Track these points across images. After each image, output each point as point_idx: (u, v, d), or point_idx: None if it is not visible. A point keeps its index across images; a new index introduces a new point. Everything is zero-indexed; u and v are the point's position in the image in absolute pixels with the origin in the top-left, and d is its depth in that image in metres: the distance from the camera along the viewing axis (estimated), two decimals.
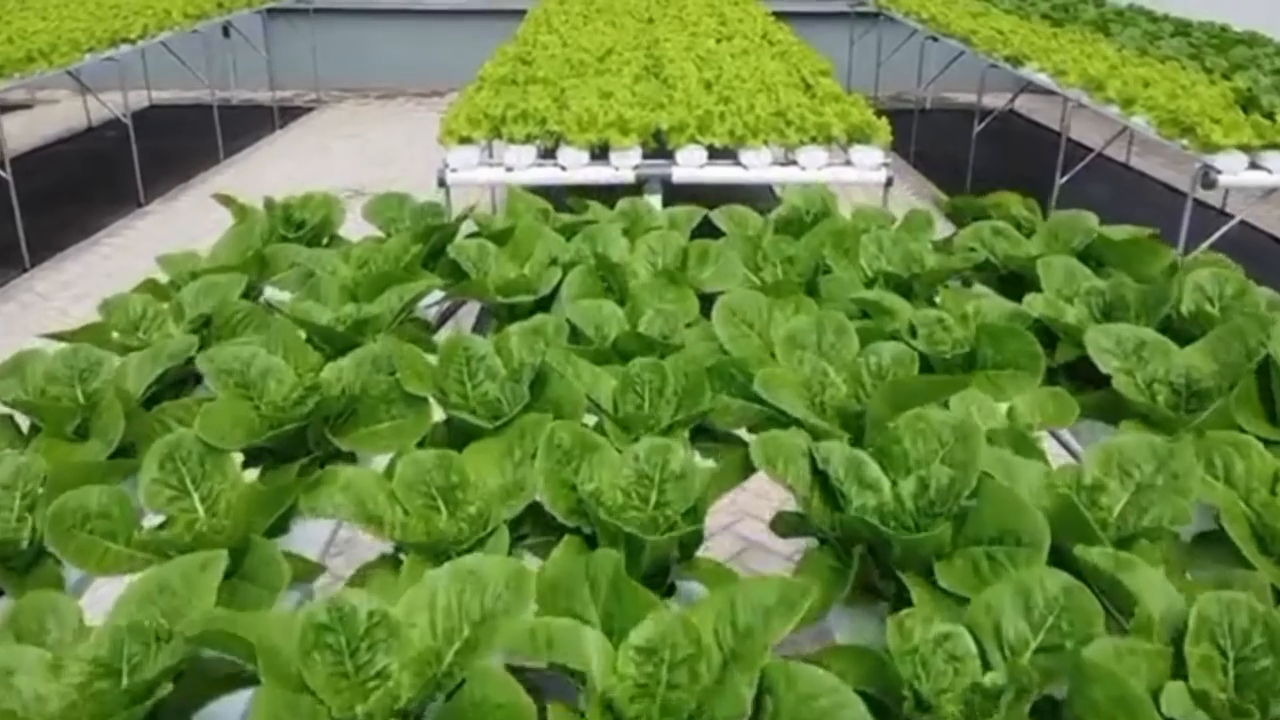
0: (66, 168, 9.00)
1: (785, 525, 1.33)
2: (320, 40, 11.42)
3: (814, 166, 4.70)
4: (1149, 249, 2.01)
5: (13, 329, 5.81)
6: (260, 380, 1.53)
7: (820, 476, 1.29)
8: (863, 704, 0.93)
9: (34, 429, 1.55)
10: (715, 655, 0.98)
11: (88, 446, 1.44)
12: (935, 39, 8.70)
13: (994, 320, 1.83)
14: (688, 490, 1.27)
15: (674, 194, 4.62)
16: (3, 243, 6.68)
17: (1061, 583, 1.04)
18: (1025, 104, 8.49)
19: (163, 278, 2.07)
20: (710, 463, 1.48)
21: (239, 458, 1.44)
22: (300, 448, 1.46)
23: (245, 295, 2.04)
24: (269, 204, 2.32)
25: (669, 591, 1.25)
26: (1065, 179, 6.47)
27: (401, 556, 1.26)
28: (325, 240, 2.35)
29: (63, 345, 1.68)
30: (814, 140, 4.73)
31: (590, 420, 1.54)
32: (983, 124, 7.77)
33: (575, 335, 1.83)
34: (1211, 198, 7.97)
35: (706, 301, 2.00)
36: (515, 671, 0.98)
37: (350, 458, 1.48)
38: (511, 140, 4.68)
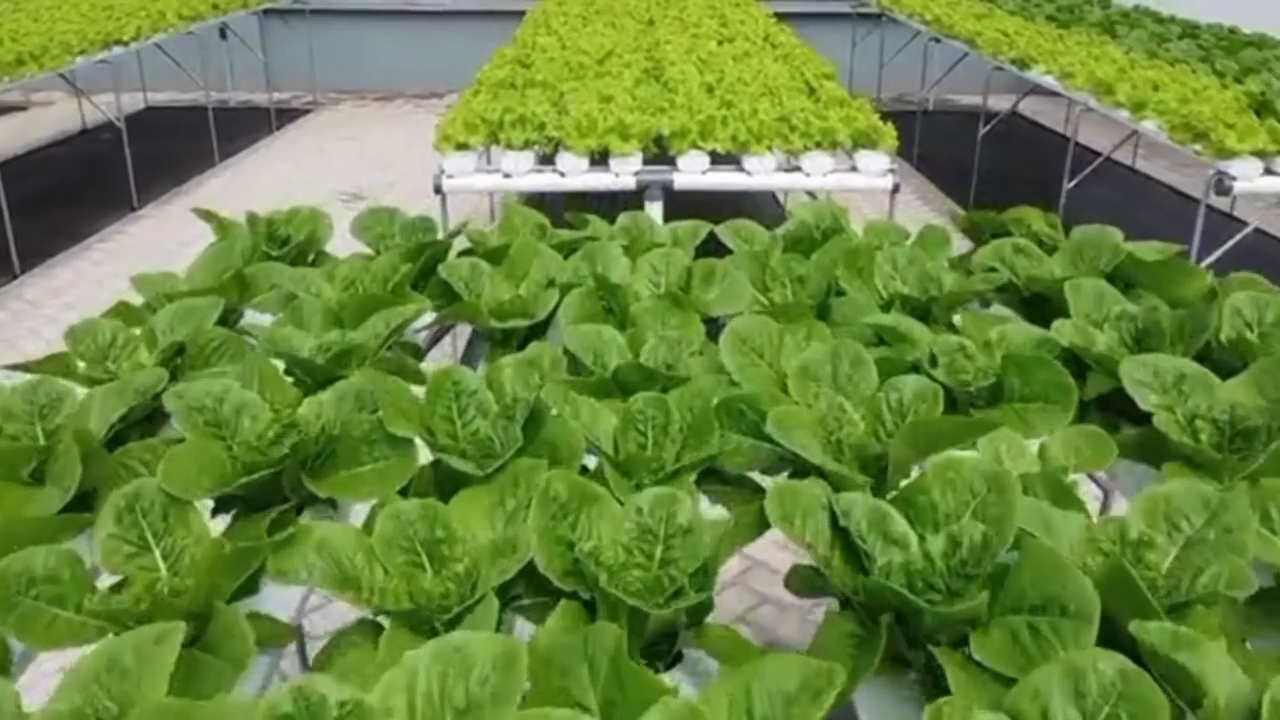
0: (59, 171, 8.89)
1: (801, 582, 1.22)
2: (317, 42, 11.31)
3: (819, 173, 4.60)
4: (1182, 270, 1.90)
5: (2, 337, 5.70)
6: (233, 418, 1.42)
7: (841, 532, 1.18)
8: None
9: None
10: None
11: (43, 494, 1.33)
12: (938, 40, 8.58)
13: (1020, 348, 1.72)
14: (696, 547, 1.16)
15: (675, 200, 4.51)
16: None
17: (1118, 666, 0.93)
18: (1029, 106, 8.38)
19: (137, 299, 1.96)
20: (720, 509, 1.37)
21: (209, 503, 1.33)
22: (275, 493, 1.35)
23: (224, 319, 1.92)
24: (252, 219, 2.21)
25: (675, 659, 1.14)
26: (1073, 184, 6.35)
27: (383, 620, 1.15)
28: (311, 257, 2.23)
29: (24, 377, 1.56)
30: (818, 146, 4.62)
31: (590, 460, 1.42)
32: (988, 127, 7.66)
33: (574, 362, 1.72)
34: (1220, 202, 7.86)
35: (712, 322, 1.89)
36: None
37: (329, 504, 1.37)
38: (509, 146, 4.57)
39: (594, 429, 1.41)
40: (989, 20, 8.25)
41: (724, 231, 2.27)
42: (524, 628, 1.16)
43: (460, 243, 2.31)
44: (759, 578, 3.51)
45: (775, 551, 3.35)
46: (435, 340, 2.13)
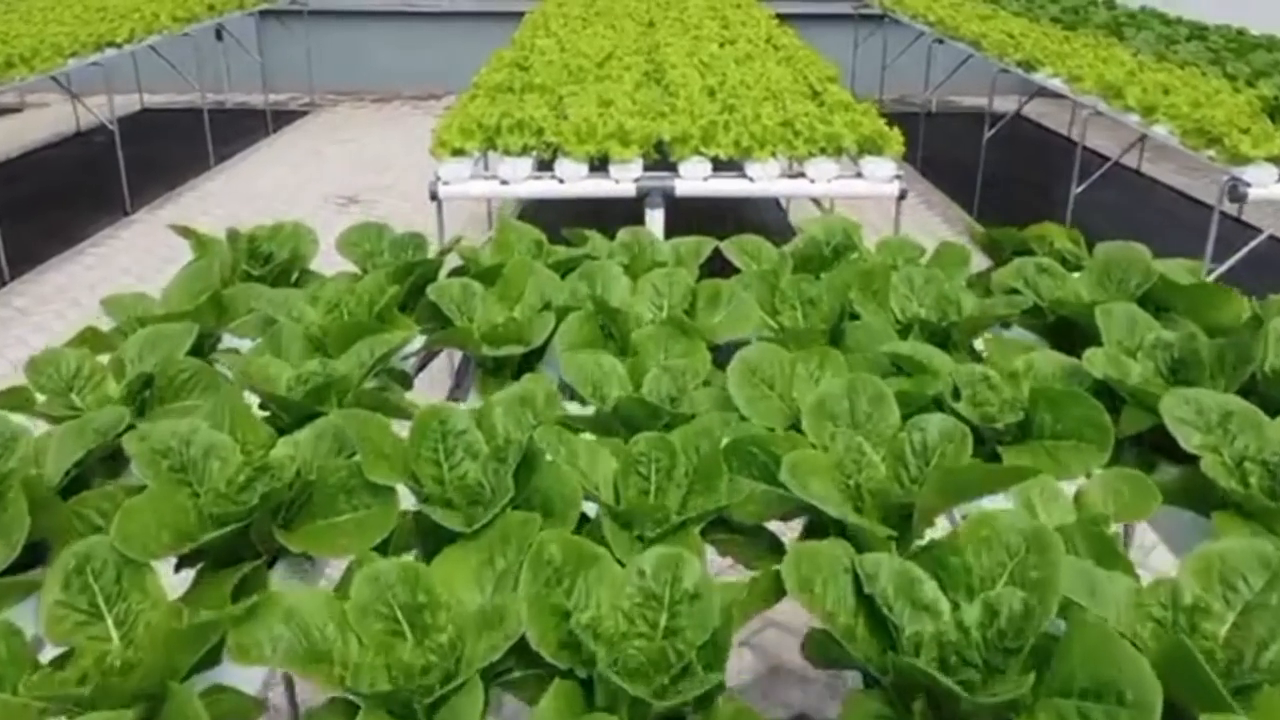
0: (52, 174, 8.77)
1: (818, 650, 1.10)
2: (315, 43, 11.20)
3: (823, 179, 4.48)
4: (1218, 294, 1.78)
5: None
6: (201, 461, 1.30)
7: (865, 600, 1.07)
8: None
9: None
10: None
11: None
12: (941, 42, 8.46)
13: (1048, 379, 1.60)
14: (704, 615, 1.05)
15: (676, 207, 4.40)
16: None
17: None
18: (1032, 107, 8.26)
19: (107, 323, 1.85)
20: (728, 562, 1.25)
21: (171, 559, 1.22)
22: (244, 545, 1.24)
23: (201, 344, 1.81)
24: (232, 235, 2.09)
25: None
26: (1081, 189, 6.23)
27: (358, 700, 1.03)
28: (295, 276, 2.12)
29: None
30: (823, 151, 4.50)
31: (590, 506, 1.31)
32: (993, 130, 7.54)
33: (571, 392, 1.61)
34: (1231, 206, 7.75)
35: (718, 349, 1.78)
36: None
37: (304, 556, 1.26)
38: (507, 152, 4.46)
39: (592, 474, 1.30)
40: (994, 22, 8.13)
41: (730, 248, 2.16)
42: (513, 708, 1.05)
43: (454, 259, 2.20)
44: (776, 642, 3.38)
45: (795, 613, 3.23)
46: (424, 364, 2.02)
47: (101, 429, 1.36)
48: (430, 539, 1.22)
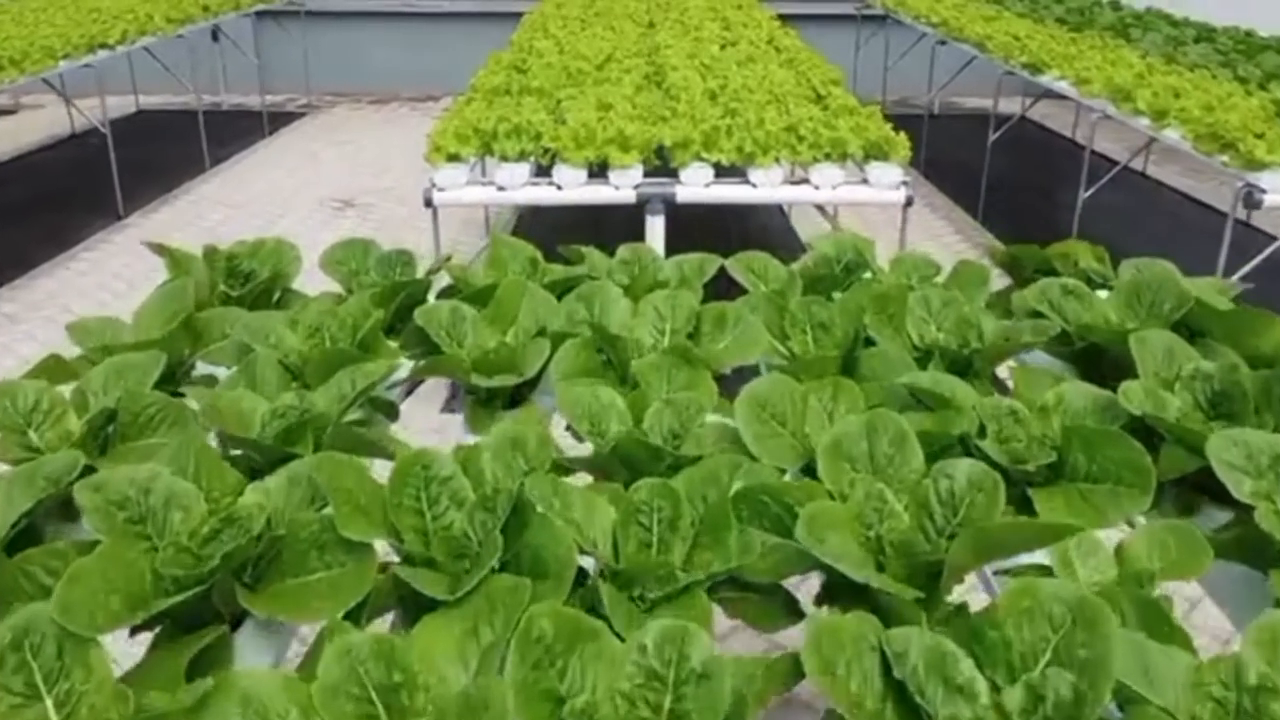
0: (45, 177, 8.67)
1: None
2: (312, 44, 11.09)
3: (828, 186, 4.37)
4: (1260, 321, 1.67)
5: None
6: (161, 512, 1.19)
7: (895, 683, 0.96)
8: None
9: None
10: None
11: None
12: (945, 43, 8.35)
13: (1080, 413, 1.49)
14: (714, 697, 0.94)
15: (677, 213, 4.29)
16: None
17: None
18: (1035, 109, 8.15)
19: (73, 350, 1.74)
20: (738, 622, 1.14)
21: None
22: (207, 606, 1.13)
23: (173, 373, 1.70)
24: (209, 253, 1.98)
25: None
26: (1089, 193, 6.12)
27: None
28: (276, 296, 2.01)
29: None
30: (828, 157, 4.39)
31: (586, 561, 1.20)
32: (998, 133, 7.43)
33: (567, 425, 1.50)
34: (1240, 212, 7.63)
35: (723, 379, 1.67)
36: None
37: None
38: (504, 157, 4.34)
39: (589, 526, 1.18)
40: (998, 23, 8.02)
41: (735, 266, 2.05)
42: None
43: (444, 277, 2.09)
44: None
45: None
46: (412, 389, 1.91)
47: (53, 476, 1.25)
48: (410, 601, 1.11)
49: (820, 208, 6.28)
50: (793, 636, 1.09)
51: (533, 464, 1.25)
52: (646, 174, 4.32)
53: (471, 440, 1.61)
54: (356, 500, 1.17)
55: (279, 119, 10.40)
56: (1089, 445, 1.36)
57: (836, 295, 2.04)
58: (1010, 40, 7.26)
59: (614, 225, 4.69)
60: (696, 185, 4.29)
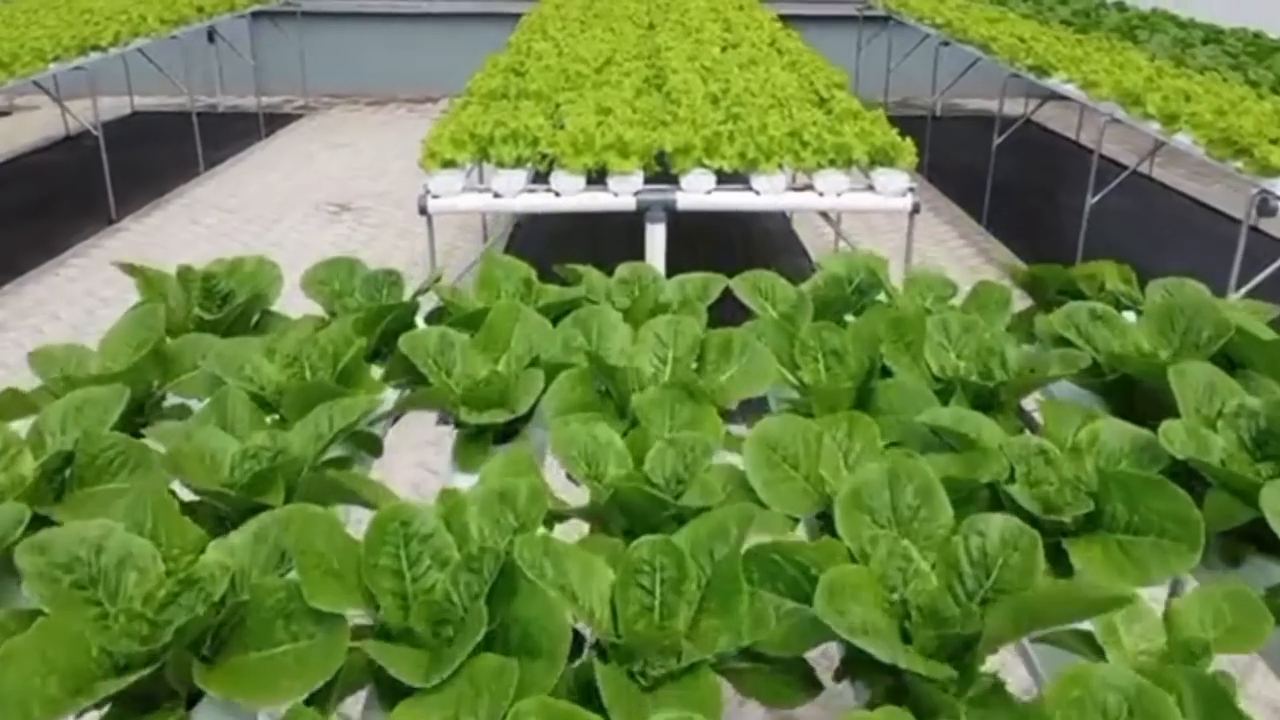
0: (37, 180, 8.56)
1: None
2: (309, 45, 10.98)
3: (832, 192, 4.26)
4: None
5: None
6: (113, 574, 1.08)
7: None
8: None
9: None
10: None
11: None
12: (948, 44, 8.24)
13: (1115, 452, 1.38)
14: None
15: (678, 220, 4.18)
16: None
17: None
18: (1038, 110, 8.03)
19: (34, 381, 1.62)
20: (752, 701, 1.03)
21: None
22: (162, 684, 1.02)
23: (141, 406, 1.59)
24: (184, 273, 1.86)
25: None
26: (1097, 198, 6.01)
27: None
28: (255, 319, 1.89)
29: None
30: (832, 163, 4.28)
31: (583, 626, 1.09)
32: (1003, 136, 7.31)
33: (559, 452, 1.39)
34: (1241, 213, 7.52)
35: (729, 414, 1.56)
36: None
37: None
38: (500, 164, 4.23)
39: (585, 592, 1.07)
40: (1003, 24, 7.91)
41: (741, 287, 1.94)
42: None
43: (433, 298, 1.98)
44: None
45: None
46: (397, 419, 1.79)
47: None
48: (386, 679, 1.00)
49: (825, 214, 6.17)
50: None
51: (523, 520, 1.14)
52: (647, 180, 4.21)
53: (459, 480, 1.50)
54: (328, 563, 1.06)
55: (275, 120, 10.29)
56: (1130, 494, 1.25)
57: (849, 318, 1.94)
58: (1016, 42, 7.15)
59: (614, 230, 4.59)
60: (698, 192, 4.18)
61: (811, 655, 1.09)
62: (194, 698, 1.05)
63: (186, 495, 1.35)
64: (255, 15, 10.58)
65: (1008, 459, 1.36)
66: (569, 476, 1.39)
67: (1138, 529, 1.23)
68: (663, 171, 4.31)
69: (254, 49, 10.93)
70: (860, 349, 1.65)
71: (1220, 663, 1.10)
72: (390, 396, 1.71)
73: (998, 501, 1.35)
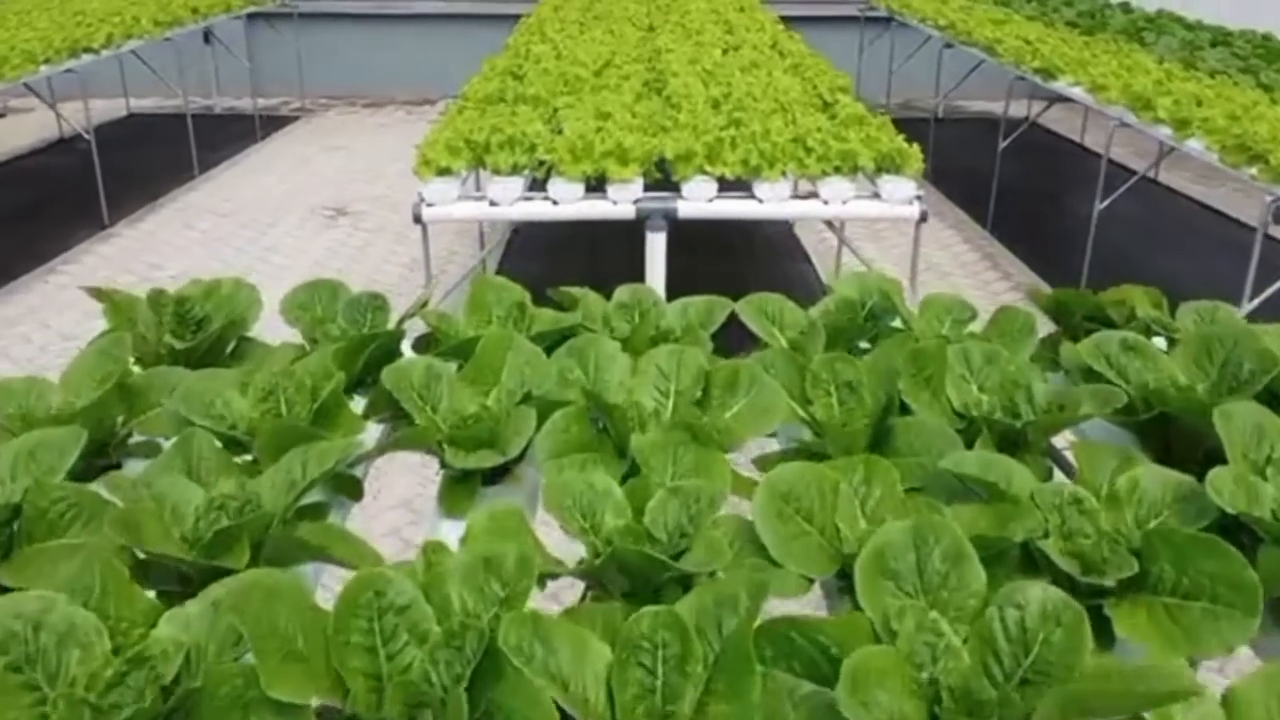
0: (29, 184, 8.45)
1: None
2: (305, 46, 10.87)
3: (837, 200, 4.15)
4: None
5: None
6: (54, 652, 0.97)
7: None
8: None
9: None
10: None
11: None
12: (951, 46, 8.12)
13: (1156, 501, 1.27)
14: None
15: (678, 228, 4.08)
16: None
17: None
18: (1039, 111, 7.92)
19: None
20: None
21: None
22: None
23: (104, 447, 1.48)
24: (154, 298, 1.75)
25: None
26: (1105, 204, 5.89)
27: None
28: (231, 346, 1.78)
29: None
30: (837, 170, 4.17)
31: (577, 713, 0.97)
32: (1009, 140, 7.20)
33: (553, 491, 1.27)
34: (1254, 218, 7.41)
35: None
36: None
37: None
38: (496, 171, 4.12)
39: (578, 675, 0.96)
40: (1007, 26, 7.80)
41: (747, 311, 1.83)
42: None
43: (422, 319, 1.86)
44: None
45: None
46: (384, 450, 1.68)
47: None
48: None
49: (829, 222, 6.06)
50: None
51: (510, 590, 1.03)
52: (647, 187, 4.10)
53: (445, 528, 1.39)
54: (290, 643, 0.95)
55: (271, 123, 10.18)
56: (1178, 554, 1.14)
57: (861, 344, 1.83)
58: (1021, 44, 7.04)
59: (613, 234, 4.47)
60: (699, 200, 4.08)
61: None
62: None
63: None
64: (251, 16, 10.48)
65: (1040, 509, 1.25)
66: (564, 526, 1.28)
67: (1188, 593, 1.12)
68: (663, 178, 4.20)
69: (250, 50, 10.83)
70: (876, 382, 1.54)
71: None
72: (373, 432, 1.60)
73: (1028, 556, 1.24)
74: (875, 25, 10.37)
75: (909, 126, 4.91)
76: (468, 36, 10.42)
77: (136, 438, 1.54)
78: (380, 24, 11.15)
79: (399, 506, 4.04)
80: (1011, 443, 1.45)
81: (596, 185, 4.18)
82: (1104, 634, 1.15)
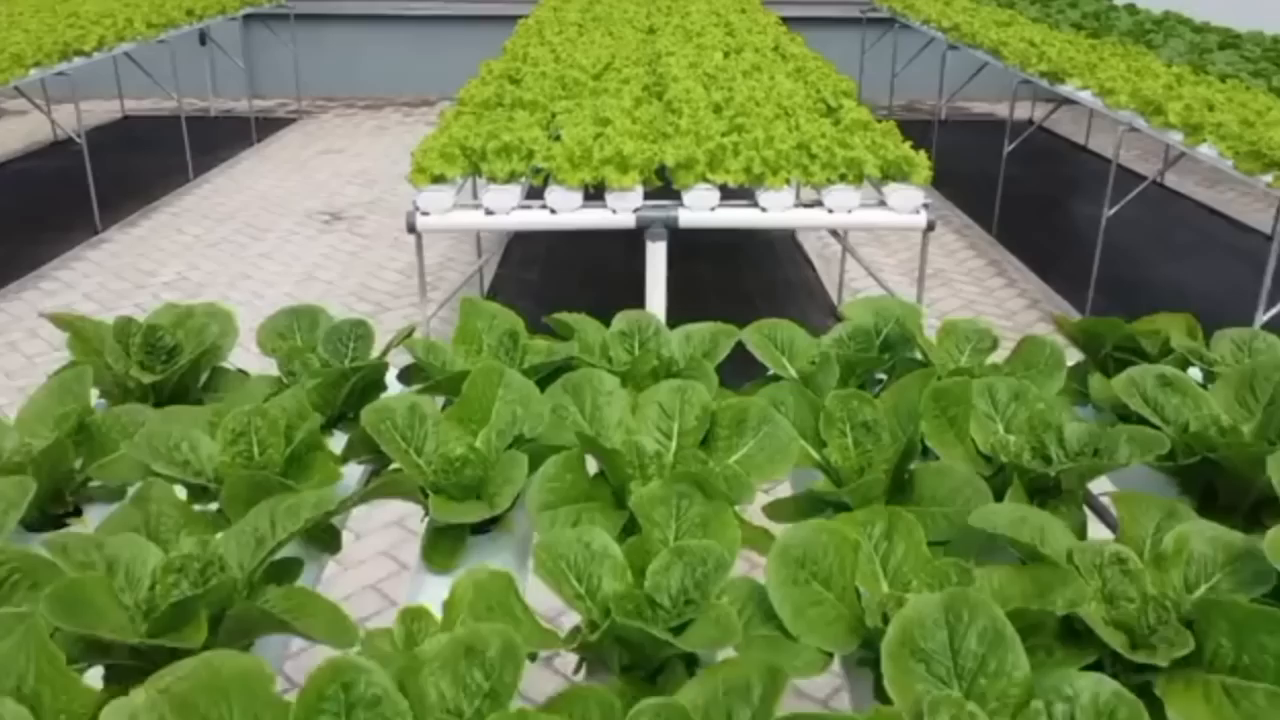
0: (20, 187, 8.33)
1: None
2: (302, 48, 10.76)
3: (843, 209, 4.04)
4: None
5: None
6: None
7: None
8: None
9: None
10: None
11: None
12: (955, 48, 8.01)
13: (1208, 561, 1.16)
14: None
15: (678, 237, 3.97)
16: None
17: None
18: (1042, 113, 7.81)
19: None
20: None
21: None
22: None
23: (60, 492, 1.36)
24: (121, 327, 1.64)
25: None
26: (1114, 210, 5.77)
27: None
28: (204, 378, 1.67)
29: None
30: (842, 178, 4.05)
31: None
32: (1014, 143, 7.08)
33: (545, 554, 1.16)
34: (1259, 219, 7.31)
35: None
36: None
37: None
38: (492, 179, 4.01)
39: None
40: (1012, 28, 7.68)
41: (754, 339, 1.71)
42: None
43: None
44: None
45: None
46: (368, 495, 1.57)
47: None
48: None
49: (834, 232, 5.95)
50: None
51: (494, 682, 0.92)
52: (647, 196, 3.99)
53: (429, 584, 1.28)
54: None
55: (268, 125, 10.07)
56: (1238, 629, 1.02)
57: (879, 375, 1.71)
58: (1027, 46, 6.93)
59: (613, 240, 4.36)
60: (701, 209, 3.96)
61: None
62: None
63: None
64: (247, 18, 10.36)
65: (1079, 570, 1.14)
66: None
67: (1249, 672, 1.01)
68: (664, 186, 4.09)
69: (246, 52, 10.72)
70: (896, 423, 1.42)
71: None
72: (353, 474, 1.49)
73: (1067, 622, 1.13)
74: (877, 27, 10.26)
75: (912, 129, 4.80)
76: (467, 38, 10.32)
77: (97, 481, 1.43)
78: (378, 25, 11.04)
79: (392, 524, 3.93)
80: (1042, 489, 1.34)
81: (595, 193, 4.07)
82: (1154, 714, 1.04)
